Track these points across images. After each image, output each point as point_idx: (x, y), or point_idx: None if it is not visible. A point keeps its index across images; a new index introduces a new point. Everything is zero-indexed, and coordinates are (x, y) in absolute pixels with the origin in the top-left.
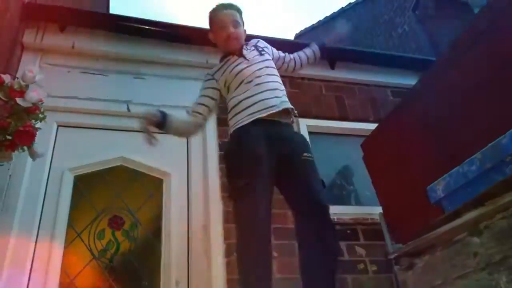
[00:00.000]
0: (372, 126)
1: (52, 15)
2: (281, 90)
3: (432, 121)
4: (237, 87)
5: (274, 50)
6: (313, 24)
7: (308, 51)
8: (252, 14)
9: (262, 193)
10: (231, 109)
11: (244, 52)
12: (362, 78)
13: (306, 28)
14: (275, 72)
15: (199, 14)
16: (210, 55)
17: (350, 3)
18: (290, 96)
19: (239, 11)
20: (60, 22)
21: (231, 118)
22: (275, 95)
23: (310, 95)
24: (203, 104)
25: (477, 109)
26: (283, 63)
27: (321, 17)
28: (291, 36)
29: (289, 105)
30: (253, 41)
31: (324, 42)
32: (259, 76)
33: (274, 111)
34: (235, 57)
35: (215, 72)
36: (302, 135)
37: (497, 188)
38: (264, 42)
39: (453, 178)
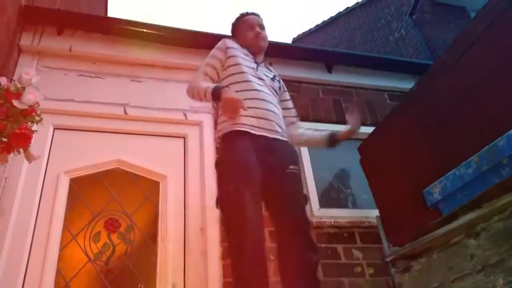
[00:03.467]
0: (369, 129)
1: (50, 18)
2: (278, 117)
3: (429, 124)
4: (237, 82)
5: (287, 95)
6: (311, 28)
7: (318, 133)
8: None
9: (251, 197)
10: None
11: (261, 66)
12: (359, 81)
13: (303, 32)
14: (276, 102)
15: (197, 18)
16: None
17: (347, 8)
18: None
19: (260, 17)
20: (58, 25)
21: (223, 121)
22: (276, 122)
23: (308, 98)
24: (211, 78)
25: (473, 112)
26: (288, 110)
27: (318, 21)
28: (288, 40)
29: (281, 137)
30: (276, 74)
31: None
32: (265, 94)
33: (268, 135)
34: (252, 59)
35: (230, 48)
36: (291, 146)
37: (494, 190)
38: (282, 82)
39: (449, 180)
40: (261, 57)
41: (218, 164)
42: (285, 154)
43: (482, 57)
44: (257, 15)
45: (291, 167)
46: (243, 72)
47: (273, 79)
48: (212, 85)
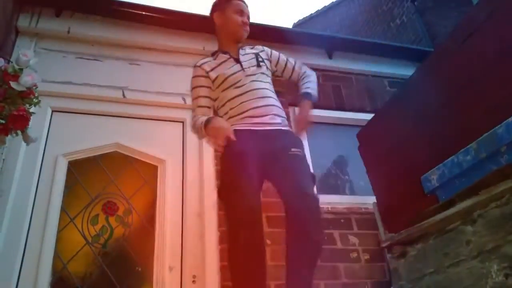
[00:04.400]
0: (369, 116)
1: (48, 0)
2: (278, 107)
3: (428, 111)
4: (231, 98)
5: (281, 58)
6: (312, 14)
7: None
8: (250, 2)
9: (247, 187)
10: (223, 113)
11: (241, 58)
12: (360, 68)
13: (304, 18)
14: (270, 86)
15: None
16: (206, 41)
17: None
18: (287, 85)
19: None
20: (56, 7)
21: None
22: (276, 113)
23: None
24: (207, 107)
25: (473, 99)
26: (292, 73)
27: (319, 6)
28: (289, 25)
29: (282, 127)
30: (258, 47)
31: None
32: (255, 89)
33: (266, 128)
34: (232, 61)
35: (210, 70)
36: (292, 133)
37: (492, 178)
38: (269, 51)
39: (448, 167)
40: (237, 46)
41: (221, 159)
42: (287, 140)
43: (483, 44)
44: (246, 4)
45: (293, 149)
46: (233, 85)
47: (258, 64)
48: (204, 118)
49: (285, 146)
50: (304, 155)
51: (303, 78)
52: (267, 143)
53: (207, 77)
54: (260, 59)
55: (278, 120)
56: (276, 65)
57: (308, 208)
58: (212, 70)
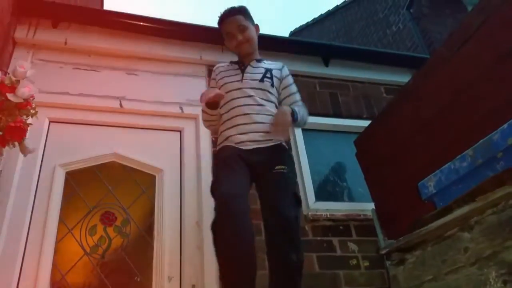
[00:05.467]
0: (366, 123)
1: (45, 11)
2: (262, 123)
3: (424, 118)
4: (223, 104)
5: (290, 88)
6: (308, 22)
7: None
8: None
9: (225, 176)
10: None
11: (248, 69)
12: (356, 75)
13: (301, 26)
14: (268, 104)
15: (194, 11)
16: (204, 51)
17: (345, 1)
18: None
19: (242, 12)
20: (53, 18)
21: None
22: (264, 131)
23: (304, 91)
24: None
25: (469, 106)
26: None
27: (316, 15)
28: (285, 34)
29: (269, 144)
30: (278, 64)
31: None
32: (250, 106)
33: (257, 146)
34: (238, 70)
35: (218, 74)
36: (279, 147)
37: (488, 184)
38: (285, 73)
39: (444, 174)
40: (251, 56)
41: (212, 169)
42: (272, 156)
43: (478, 51)
44: (235, 14)
45: (277, 167)
46: (228, 92)
47: (262, 79)
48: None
49: (270, 162)
50: (290, 172)
51: (295, 102)
52: (253, 156)
53: (215, 80)
54: (268, 75)
55: (266, 137)
56: (282, 89)
57: (284, 229)
58: (219, 73)
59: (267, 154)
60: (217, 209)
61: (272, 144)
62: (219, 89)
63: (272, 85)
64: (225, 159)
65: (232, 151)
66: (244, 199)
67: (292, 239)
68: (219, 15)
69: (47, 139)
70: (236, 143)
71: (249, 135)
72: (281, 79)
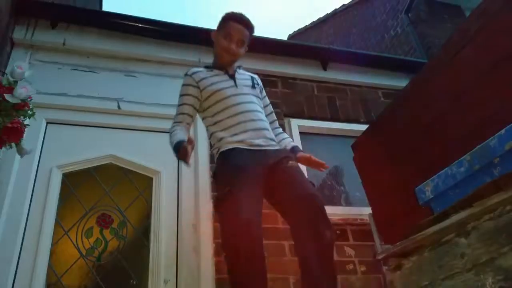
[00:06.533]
0: (363, 127)
1: (43, 11)
2: (269, 130)
3: (422, 123)
4: (221, 110)
5: (266, 99)
6: (307, 25)
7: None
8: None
9: (246, 197)
10: (215, 131)
11: (237, 75)
12: (354, 79)
13: (299, 29)
14: (262, 110)
15: (192, 13)
16: (202, 53)
17: (343, 5)
18: (282, 96)
19: (251, 32)
20: (51, 19)
21: (217, 140)
22: (268, 136)
23: (302, 95)
24: (189, 115)
25: (466, 111)
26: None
27: (314, 18)
28: (284, 37)
29: (275, 147)
30: (254, 75)
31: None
32: (249, 110)
33: (262, 148)
34: (226, 76)
35: (201, 80)
36: (283, 149)
37: (485, 190)
38: (261, 84)
39: (441, 179)
40: (233, 65)
41: (215, 175)
42: (282, 155)
43: (476, 56)
44: (246, 27)
45: (290, 162)
46: (226, 98)
47: (253, 86)
48: (175, 140)
49: (282, 160)
50: (299, 167)
51: (280, 133)
52: (264, 160)
53: (197, 87)
54: (255, 82)
55: (271, 142)
56: (262, 98)
57: (319, 207)
58: (202, 80)
59: (278, 155)
60: (236, 234)
61: (278, 147)
62: (211, 95)
63: (261, 91)
64: (243, 170)
65: (250, 158)
66: (259, 223)
67: (325, 216)
68: (235, 12)
69: (44, 140)
70: (250, 145)
71: (261, 139)
72: (261, 89)
